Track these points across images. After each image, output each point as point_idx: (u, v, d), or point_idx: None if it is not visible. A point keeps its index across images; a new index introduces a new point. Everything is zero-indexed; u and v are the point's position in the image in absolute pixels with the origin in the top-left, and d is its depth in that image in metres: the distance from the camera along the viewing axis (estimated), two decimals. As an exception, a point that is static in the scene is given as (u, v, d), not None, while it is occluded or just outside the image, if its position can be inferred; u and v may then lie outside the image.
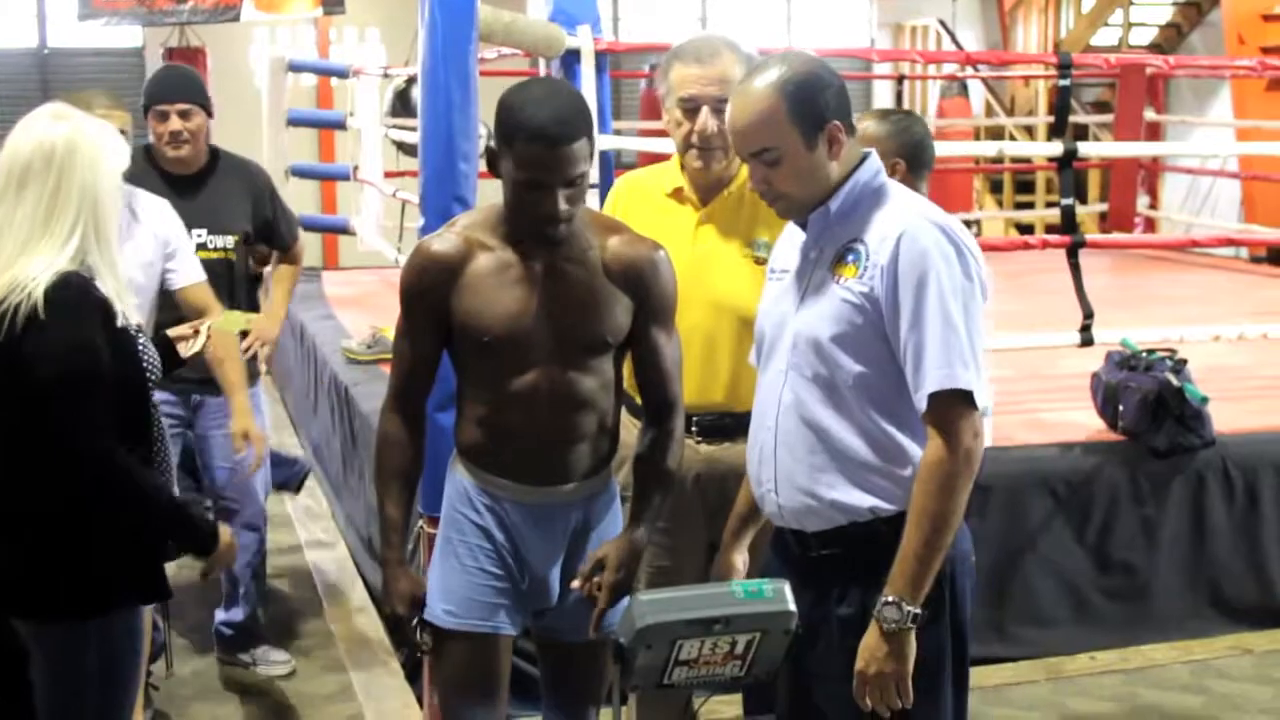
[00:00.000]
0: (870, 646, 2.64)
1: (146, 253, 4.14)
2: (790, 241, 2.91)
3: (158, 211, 4.25)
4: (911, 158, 3.43)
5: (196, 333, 3.45)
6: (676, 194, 3.48)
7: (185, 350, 3.40)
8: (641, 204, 3.51)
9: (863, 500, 2.70)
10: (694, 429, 3.40)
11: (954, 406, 2.61)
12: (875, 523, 2.70)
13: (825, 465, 2.72)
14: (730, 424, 3.37)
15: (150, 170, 4.67)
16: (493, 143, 2.95)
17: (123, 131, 3.85)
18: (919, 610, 2.61)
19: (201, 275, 4.33)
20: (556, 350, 2.99)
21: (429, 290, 3.01)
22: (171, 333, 3.27)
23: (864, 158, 2.79)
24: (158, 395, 3.26)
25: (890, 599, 2.61)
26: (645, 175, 3.66)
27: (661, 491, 3.14)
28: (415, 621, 3.11)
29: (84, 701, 2.93)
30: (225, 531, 3.16)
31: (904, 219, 2.68)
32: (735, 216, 3.42)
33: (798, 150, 2.71)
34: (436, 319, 3.03)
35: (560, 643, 3.19)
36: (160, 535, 3.02)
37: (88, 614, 2.90)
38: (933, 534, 2.61)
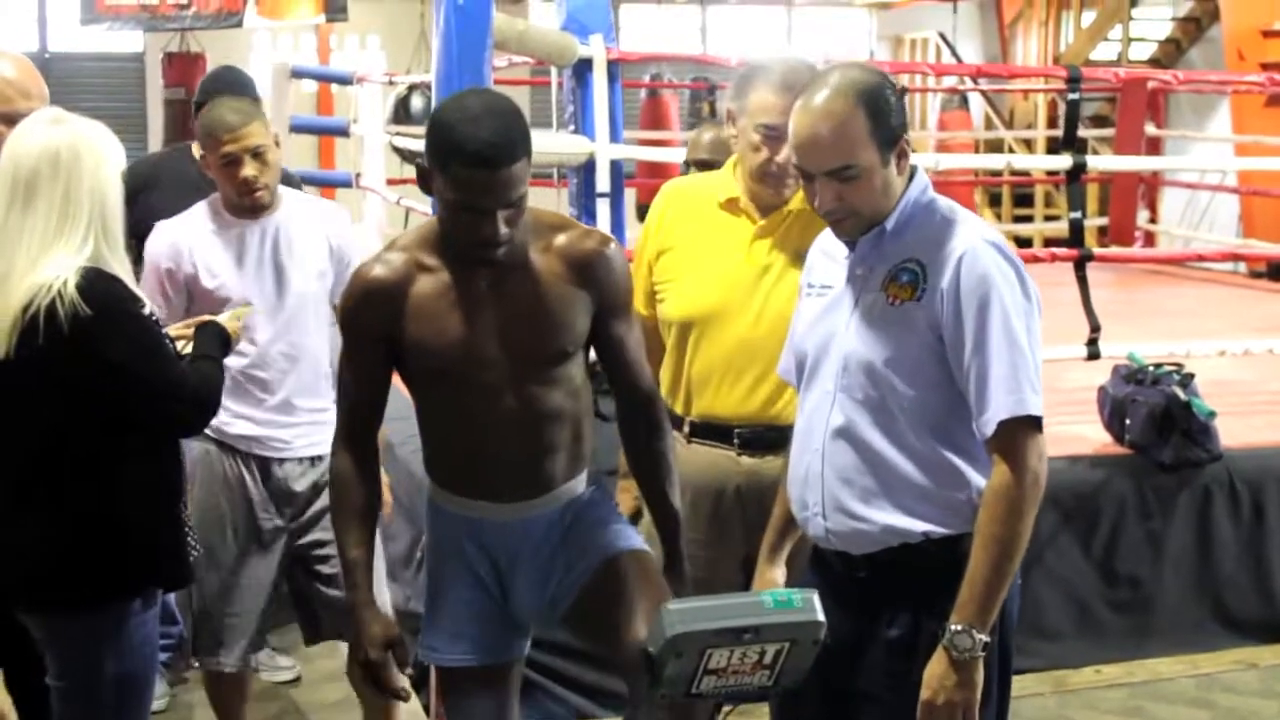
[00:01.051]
0: (938, 675, 2.59)
1: (320, 260, 3.87)
2: (828, 256, 2.84)
3: (333, 218, 3.98)
4: None
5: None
6: (731, 205, 3.38)
7: (184, 348, 3.34)
8: (692, 213, 3.44)
9: (916, 525, 2.66)
10: (736, 440, 3.35)
11: (1021, 431, 2.56)
12: (927, 544, 2.66)
13: (877, 490, 2.67)
14: (773, 437, 3.29)
15: (190, 169, 4.20)
16: (423, 160, 2.78)
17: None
18: (989, 638, 2.57)
19: None
20: (515, 368, 2.85)
21: (371, 320, 2.85)
22: (172, 330, 3.28)
23: (913, 173, 2.72)
24: None
25: (959, 627, 2.56)
26: (695, 184, 3.61)
27: (675, 492, 3.03)
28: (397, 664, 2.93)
29: (100, 705, 2.93)
30: (224, 321, 3.33)
31: (962, 239, 2.62)
32: (791, 234, 3.31)
33: (875, 166, 2.62)
34: (382, 349, 2.87)
35: (575, 600, 2.96)
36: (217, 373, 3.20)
37: (114, 599, 2.94)
38: (1003, 560, 2.56)
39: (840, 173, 2.61)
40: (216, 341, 3.24)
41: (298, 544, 3.95)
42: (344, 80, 9.54)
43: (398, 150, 8.98)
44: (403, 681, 2.98)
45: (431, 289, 2.84)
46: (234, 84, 4.70)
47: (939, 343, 2.61)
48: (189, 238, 3.76)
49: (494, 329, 2.83)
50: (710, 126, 4.66)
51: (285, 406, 3.85)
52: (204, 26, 10.47)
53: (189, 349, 3.22)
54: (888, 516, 2.67)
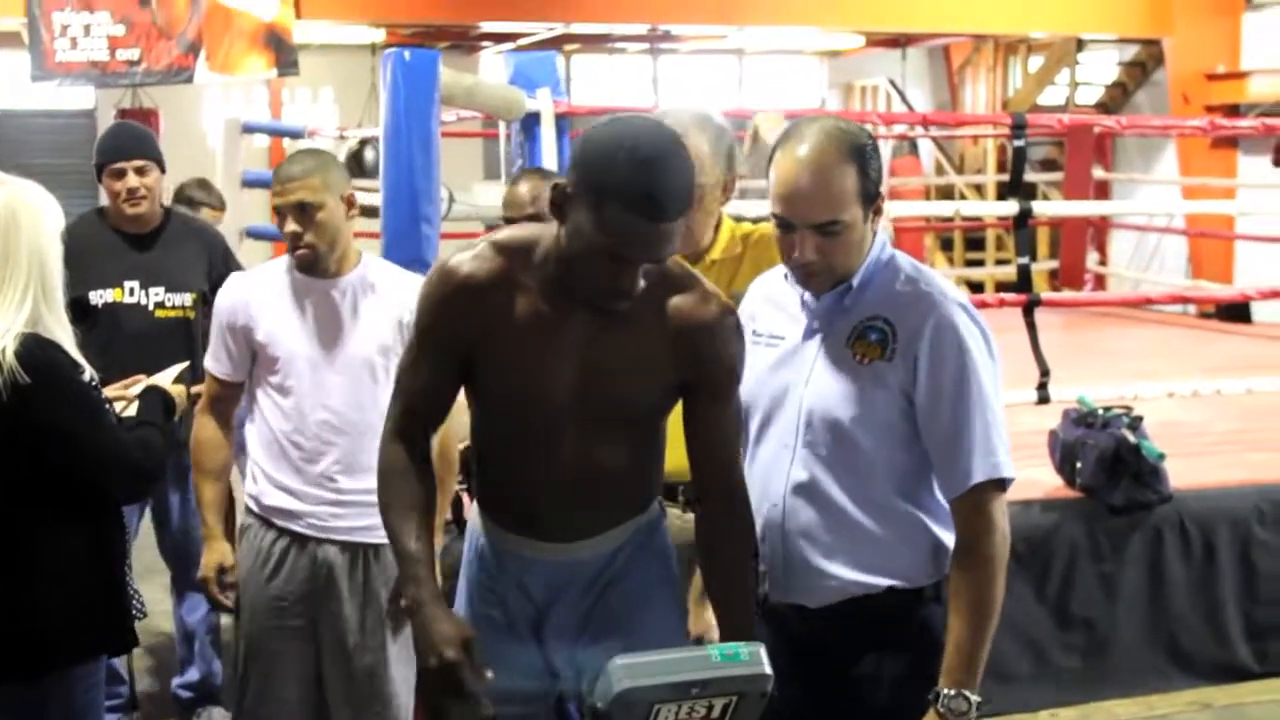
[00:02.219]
0: None
1: (384, 334, 3.64)
2: (774, 305, 2.79)
3: (403, 287, 3.65)
4: None
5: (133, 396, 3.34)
6: None
7: (125, 413, 3.27)
8: None
9: (880, 580, 2.66)
10: (680, 498, 3.22)
11: (990, 491, 2.58)
12: (888, 595, 2.66)
13: (841, 545, 2.66)
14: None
15: (105, 231, 4.65)
16: (566, 184, 2.46)
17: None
18: (980, 697, 2.58)
19: None
20: (587, 422, 2.59)
21: (452, 320, 2.58)
22: (108, 391, 3.19)
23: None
24: None
25: (952, 691, 2.56)
26: None
27: (746, 603, 2.69)
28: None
29: None
30: (164, 384, 3.27)
31: (931, 302, 2.61)
32: (718, 285, 3.06)
33: (857, 222, 2.59)
34: (455, 353, 2.61)
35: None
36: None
37: (52, 668, 2.88)
38: (983, 620, 2.57)
39: (826, 227, 2.57)
40: (159, 406, 3.21)
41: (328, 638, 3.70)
42: (296, 134, 9.55)
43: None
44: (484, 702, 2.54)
45: (522, 311, 2.57)
46: (120, 145, 4.70)
47: (908, 403, 2.61)
48: (253, 292, 3.66)
49: (574, 377, 2.58)
50: (528, 176, 4.19)
51: (326, 481, 3.61)
52: (155, 82, 10.42)
53: (131, 410, 3.18)
54: (851, 572, 2.67)
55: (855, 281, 2.66)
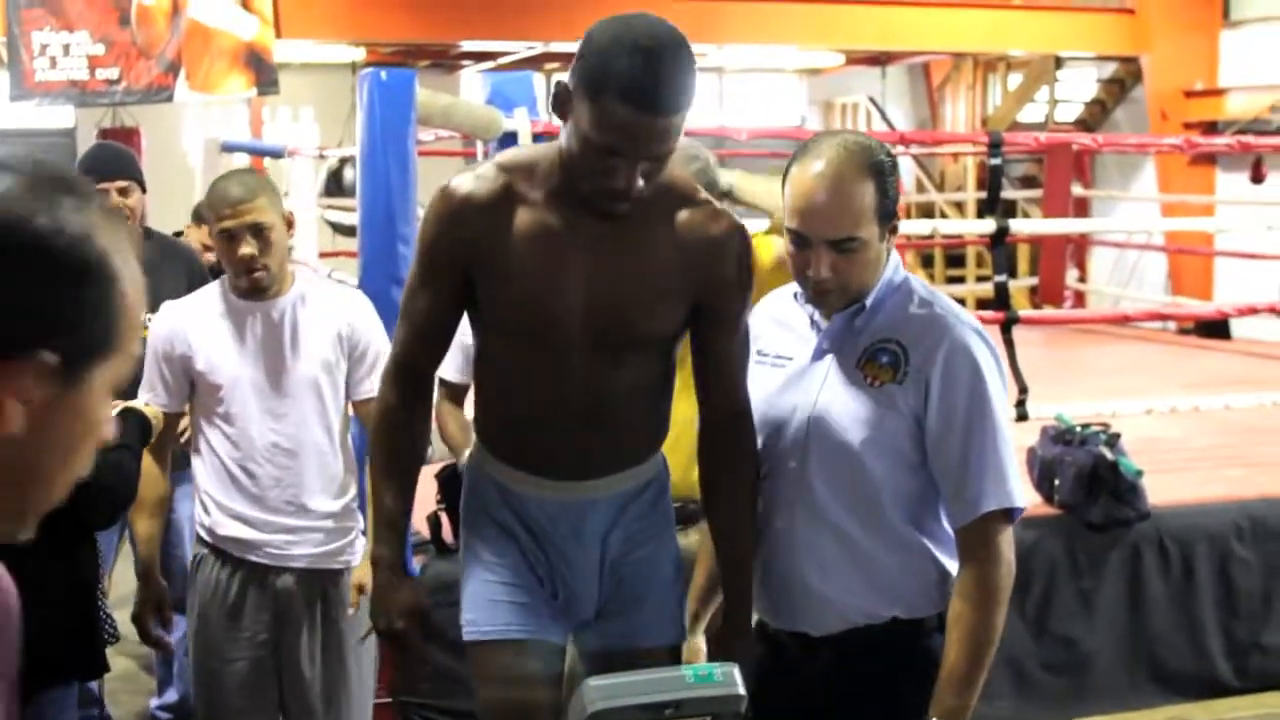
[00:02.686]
0: None
1: (326, 351, 3.58)
2: (781, 325, 2.73)
3: (350, 305, 3.69)
4: None
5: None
6: None
7: None
8: None
9: (886, 609, 2.61)
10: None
11: (999, 521, 2.53)
12: (892, 624, 2.62)
13: (845, 572, 2.60)
14: (693, 510, 3.14)
15: None
16: (564, 81, 2.42)
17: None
18: None
19: None
20: (596, 342, 2.54)
21: (458, 239, 2.51)
22: (149, 410, 3.19)
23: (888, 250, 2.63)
24: None
25: None
26: None
27: (750, 546, 2.68)
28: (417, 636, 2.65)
29: None
30: (143, 408, 3.24)
31: (945, 326, 2.56)
32: None
33: (873, 240, 2.53)
34: (459, 276, 2.54)
35: (601, 652, 2.73)
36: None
37: (23, 692, 2.86)
38: (981, 651, 2.52)
39: (842, 243, 2.51)
40: (135, 430, 3.17)
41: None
42: (275, 154, 9.55)
43: (330, 224, 8.98)
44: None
45: (527, 224, 2.51)
46: (102, 164, 4.67)
47: (918, 427, 2.55)
48: (189, 319, 3.58)
49: (582, 291, 2.52)
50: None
51: (282, 508, 3.55)
52: (135, 101, 10.43)
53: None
54: (857, 599, 2.61)
55: (868, 302, 2.59)
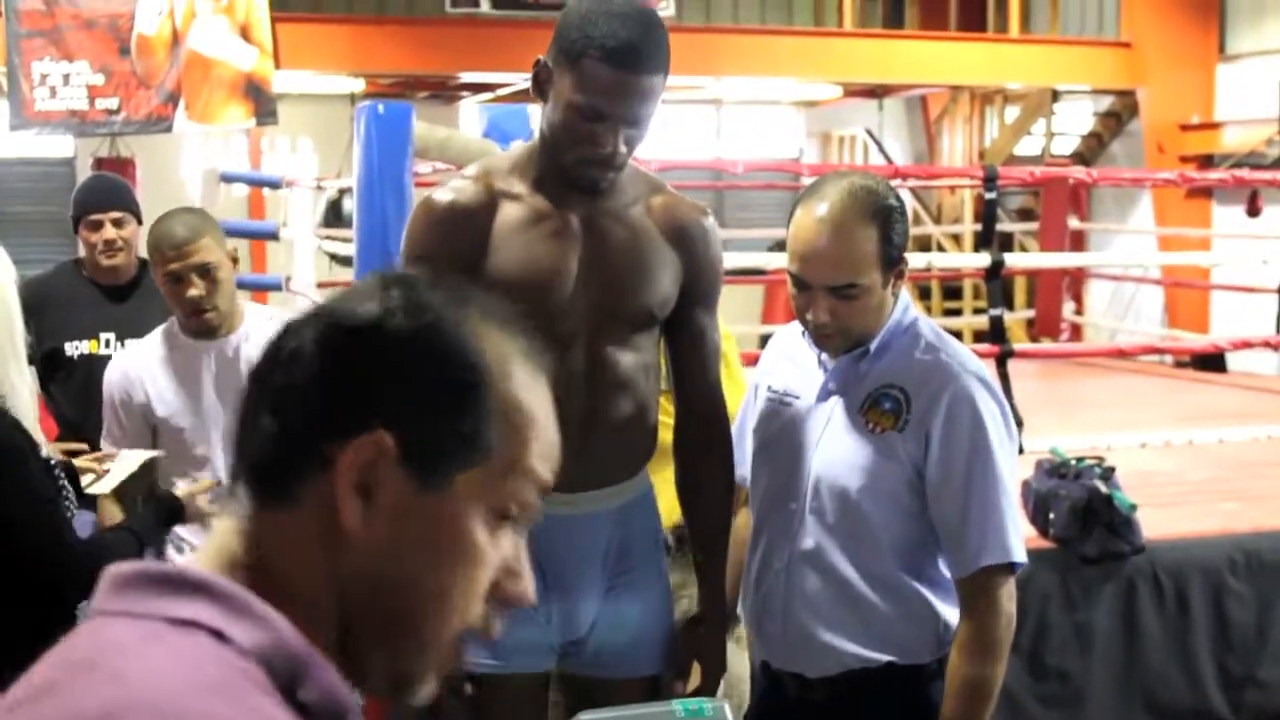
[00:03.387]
0: None
1: None
2: (791, 362, 2.73)
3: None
4: None
5: (104, 469, 3.13)
6: None
7: (93, 488, 3.12)
8: None
9: (881, 655, 2.59)
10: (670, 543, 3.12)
11: (999, 574, 2.51)
12: (889, 669, 2.60)
13: (843, 617, 2.59)
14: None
15: (81, 282, 4.64)
16: (543, 58, 2.48)
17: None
18: None
19: None
20: (595, 320, 2.56)
21: (450, 245, 2.51)
22: (79, 463, 3.05)
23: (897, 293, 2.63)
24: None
25: None
26: None
27: (724, 540, 2.72)
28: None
29: None
30: (183, 493, 3.04)
31: (949, 373, 2.54)
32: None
33: (876, 286, 2.52)
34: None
35: (591, 679, 2.73)
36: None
37: None
38: (979, 704, 2.51)
39: (842, 289, 2.50)
40: (151, 520, 3.00)
41: None
42: (274, 184, 9.57)
43: (328, 254, 9.00)
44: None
45: (517, 218, 2.54)
46: (98, 196, 4.67)
47: (917, 476, 2.54)
48: (141, 365, 3.56)
49: (580, 272, 2.55)
50: None
51: None
52: (134, 132, 10.46)
53: (98, 487, 3.04)
54: (851, 645, 2.60)
55: (873, 346, 2.58)
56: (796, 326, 2.76)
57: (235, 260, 3.57)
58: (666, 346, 2.73)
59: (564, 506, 2.60)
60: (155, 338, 3.63)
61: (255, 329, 3.57)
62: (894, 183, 9.68)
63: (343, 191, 10.08)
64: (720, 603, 2.75)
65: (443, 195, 2.56)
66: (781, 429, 2.68)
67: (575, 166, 2.50)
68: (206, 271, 3.44)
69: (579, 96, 2.41)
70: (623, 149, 2.46)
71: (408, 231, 2.60)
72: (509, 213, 2.55)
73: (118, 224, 4.59)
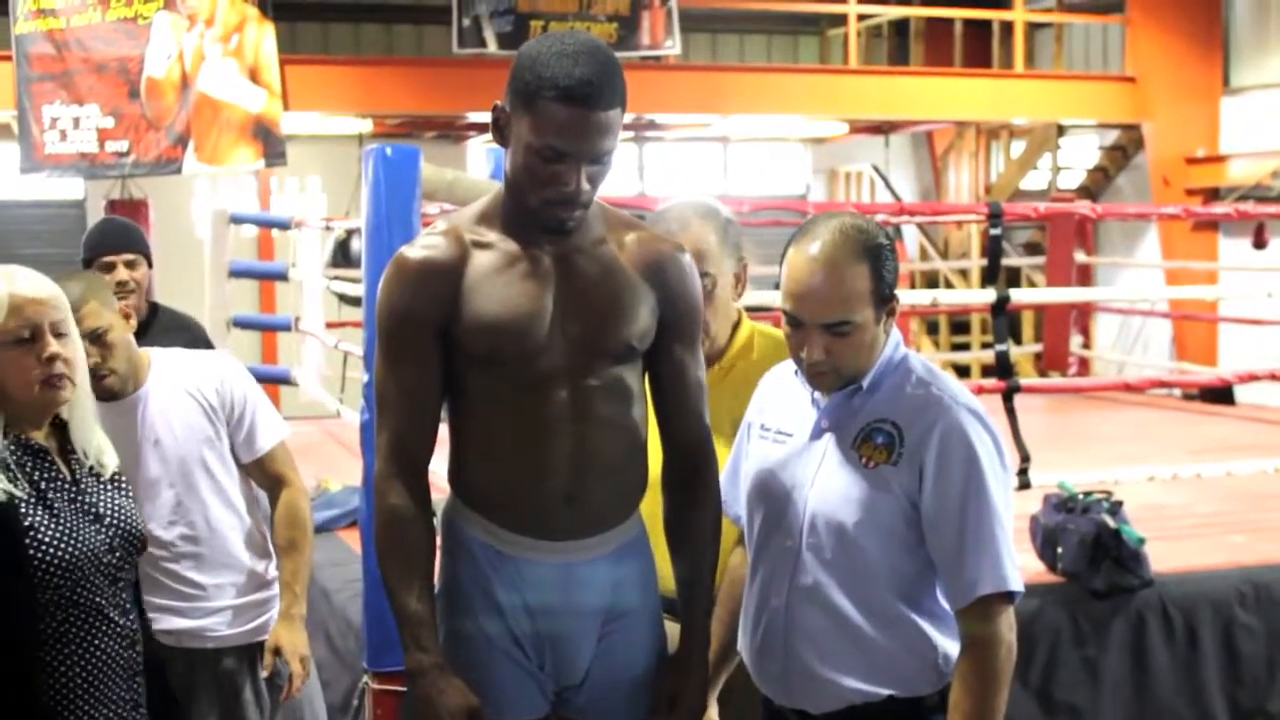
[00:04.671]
0: None
1: (201, 426, 3.50)
2: (784, 400, 2.74)
3: (200, 371, 3.56)
4: None
5: None
6: None
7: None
8: None
9: (883, 688, 2.59)
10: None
11: (997, 604, 2.52)
12: (890, 703, 2.60)
13: (843, 652, 2.60)
14: (670, 601, 2.91)
15: None
16: (500, 103, 2.49)
17: None
18: None
19: (283, 432, 3.69)
20: (575, 358, 2.54)
21: (423, 306, 2.51)
22: None
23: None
24: None
25: None
26: None
27: (709, 578, 2.70)
28: None
29: None
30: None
31: (940, 407, 2.56)
32: (718, 392, 2.97)
33: (868, 323, 2.55)
34: (435, 343, 2.52)
35: None
36: None
37: None
38: None
39: (835, 327, 2.53)
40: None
41: None
42: (283, 225, 9.61)
43: (336, 294, 9.03)
44: None
45: (490, 264, 2.54)
46: (112, 237, 4.66)
47: (912, 509, 2.55)
48: None
49: (557, 309, 2.54)
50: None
51: (202, 592, 3.49)
52: (144, 174, 10.51)
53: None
54: (852, 680, 2.60)
55: (865, 383, 2.60)
56: (788, 365, 2.78)
57: (128, 317, 3.49)
58: (650, 385, 2.71)
59: (555, 555, 2.60)
60: None
61: (167, 377, 3.51)
62: (900, 219, 9.72)
63: (351, 232, 10.13)
64: (701, 642, 2.72)
65: (415, 252, 2.56)
66: (775, 467, 2.69)
67: (541, 208, 2.50)
68: (97, 337, 3.34)
69: (537, 138, 2.43)
70: (585, 186, 2.47)
71: (383, 289, 2.57)
72: (481, 260, 2.54)
73: (130, 265, 4.57)
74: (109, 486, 2.77)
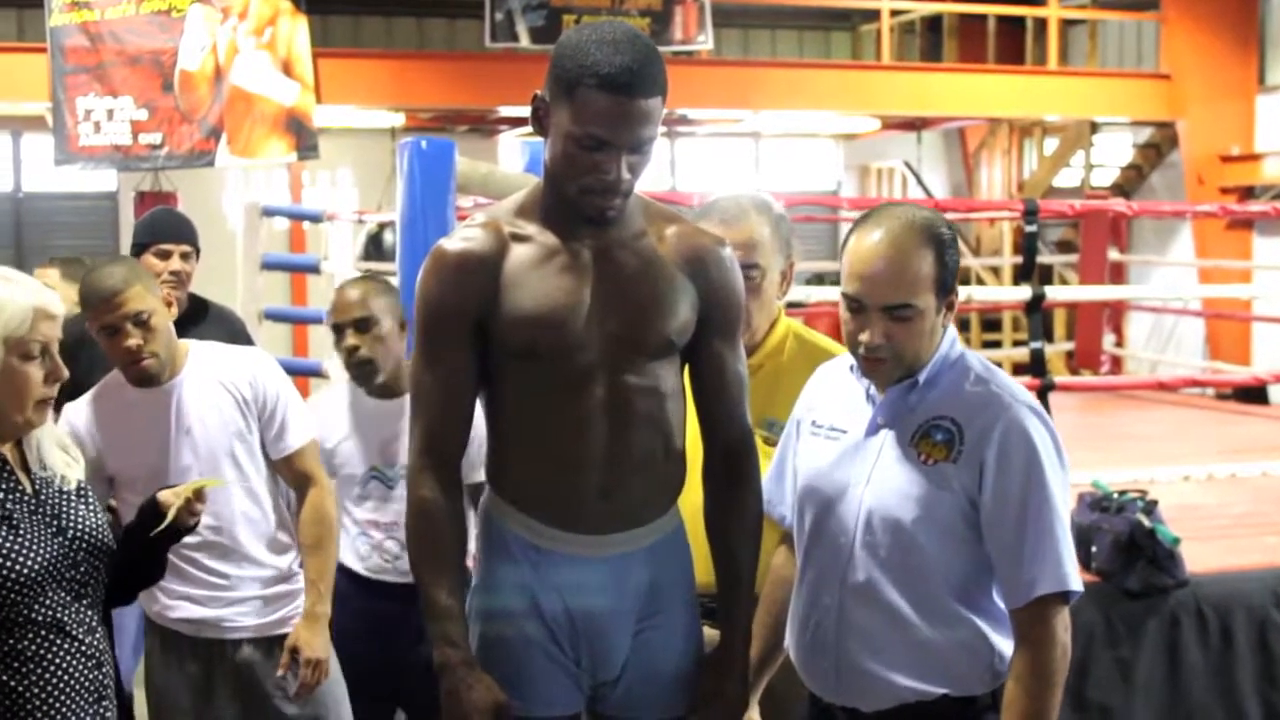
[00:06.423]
0: None
1: (233, 419, 3.52)
2: (837, 396, 2.72)
3: (236, 366, 3.58)
4: None
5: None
6: None
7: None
8: None
9: (936, 687, 2.57)
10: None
11: (1054, 604, 2.50)
12: (944, 702, 2.58)
13: (897, 650, 2.57)
14: (711, 605, 2.86)
15: None
16: (540, 93, 2.47)
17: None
18: None
19: (312, 431, 3.69)
20: (613, 353, 2.51)
21: (461, 298, 2.49)
22: (162, 495, 2.82)
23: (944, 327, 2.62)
24: None
25: None
26: None
27: (750, 574, 2.66)
28: None
29: None
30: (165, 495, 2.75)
31: (1001, 405, 2.54)
32: (752, 391, 2.86)
33: (929, 311, 2.53)
34: (471, 336, 2.51)
35: None
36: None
37: None
38: None
39: (897, 310, 2.51)
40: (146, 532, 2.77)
41: None
42: (315, 218, 9.63)
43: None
44: None
45: (528, 256, 2.51)
46: (170, 227, 4.66)
47: (971, 507, 2.53)
48: (90, 419, 3.49)
49: (595, 303, 2.51)
50: (355, 283, 4.13)
51: (224, 582, 3.52)
52: (176, 166, 10.53)
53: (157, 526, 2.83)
54: (905, 678, 2.58)
55: (922, 378, 2.58)
56: (840, 362, 2.76)
57: (170, 304, 3.52)
58: (690, 379, 2.68)
59: (592, 549, 2.58)
60: (102, 390, 3.56)
61: (205, 367, 3.54)
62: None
63: (383, 225, 10.14)
64: (742, 640, 2.69)
65: (453, 244, 2.54)
66: (828, 464, 2.66)
67: (581, 197, 2.47)
68: (140, 320, 3.38)
69: (578, 126, 2.40)
70: (626, 175, 2.44)
71: (421, 281, 2.55)
72: (520, 253, 2.52)
73: (185, 257, 4.57)
74: (72, 498, 2.68)
